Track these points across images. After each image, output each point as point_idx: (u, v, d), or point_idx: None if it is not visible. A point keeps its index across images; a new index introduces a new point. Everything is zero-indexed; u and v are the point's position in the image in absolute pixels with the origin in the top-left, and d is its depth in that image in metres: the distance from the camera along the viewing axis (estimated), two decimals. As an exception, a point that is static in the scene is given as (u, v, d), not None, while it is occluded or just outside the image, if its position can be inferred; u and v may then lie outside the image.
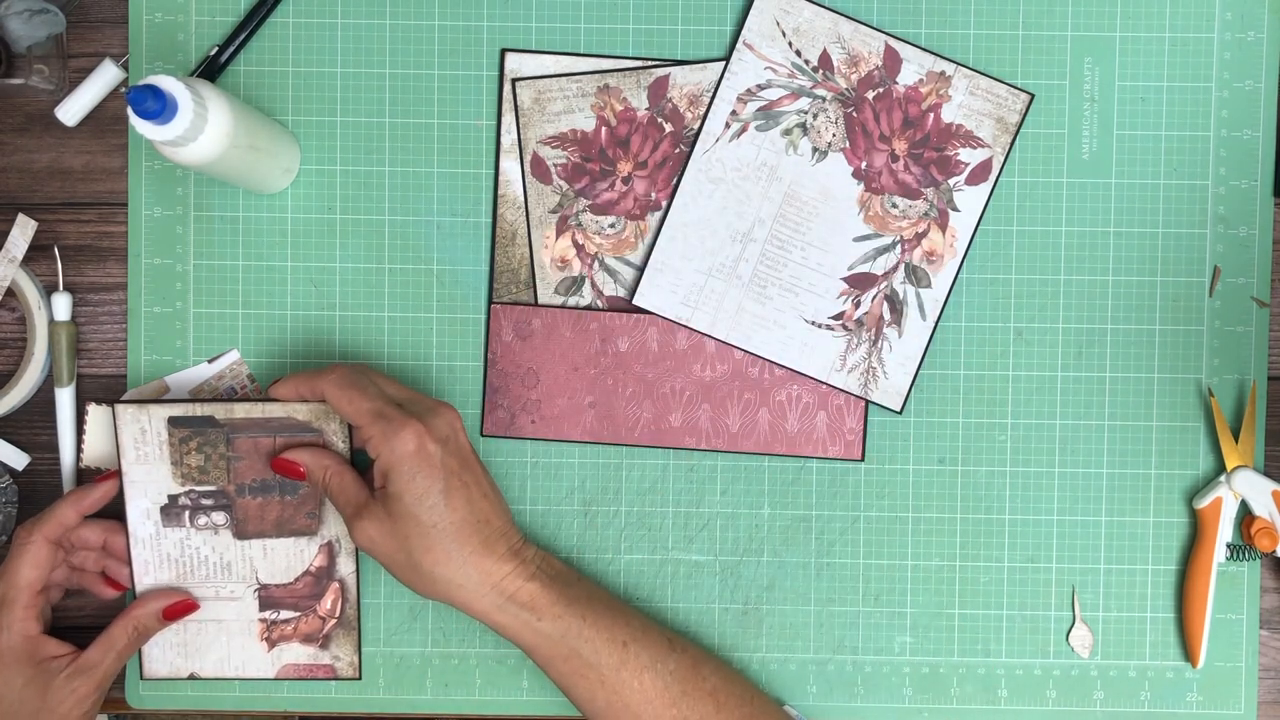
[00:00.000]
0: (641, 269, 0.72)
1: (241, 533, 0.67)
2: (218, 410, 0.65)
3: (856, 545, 0.73)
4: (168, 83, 0.58)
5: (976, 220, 0.72)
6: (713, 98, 0.71)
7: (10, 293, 0.72)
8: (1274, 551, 0.70)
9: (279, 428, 0.66)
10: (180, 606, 0.67)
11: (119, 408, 0.65)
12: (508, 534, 0.64)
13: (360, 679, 0.71)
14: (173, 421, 0.65)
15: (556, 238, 0.72)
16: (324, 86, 0.72)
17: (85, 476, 0.72)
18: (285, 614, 0.69)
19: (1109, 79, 0.72)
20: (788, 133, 0.71)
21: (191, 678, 0.70)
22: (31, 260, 0.73)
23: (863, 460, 0.72)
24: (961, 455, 0.72)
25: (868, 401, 0.72)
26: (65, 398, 0.72)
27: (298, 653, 0.70)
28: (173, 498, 0.67)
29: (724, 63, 0.71)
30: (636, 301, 0.72)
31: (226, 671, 0.70)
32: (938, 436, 0.72)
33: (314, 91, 0.72)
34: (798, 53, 0.71)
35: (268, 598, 0.69)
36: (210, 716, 0.76)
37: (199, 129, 0.59)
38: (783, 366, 0.72)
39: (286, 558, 0.68)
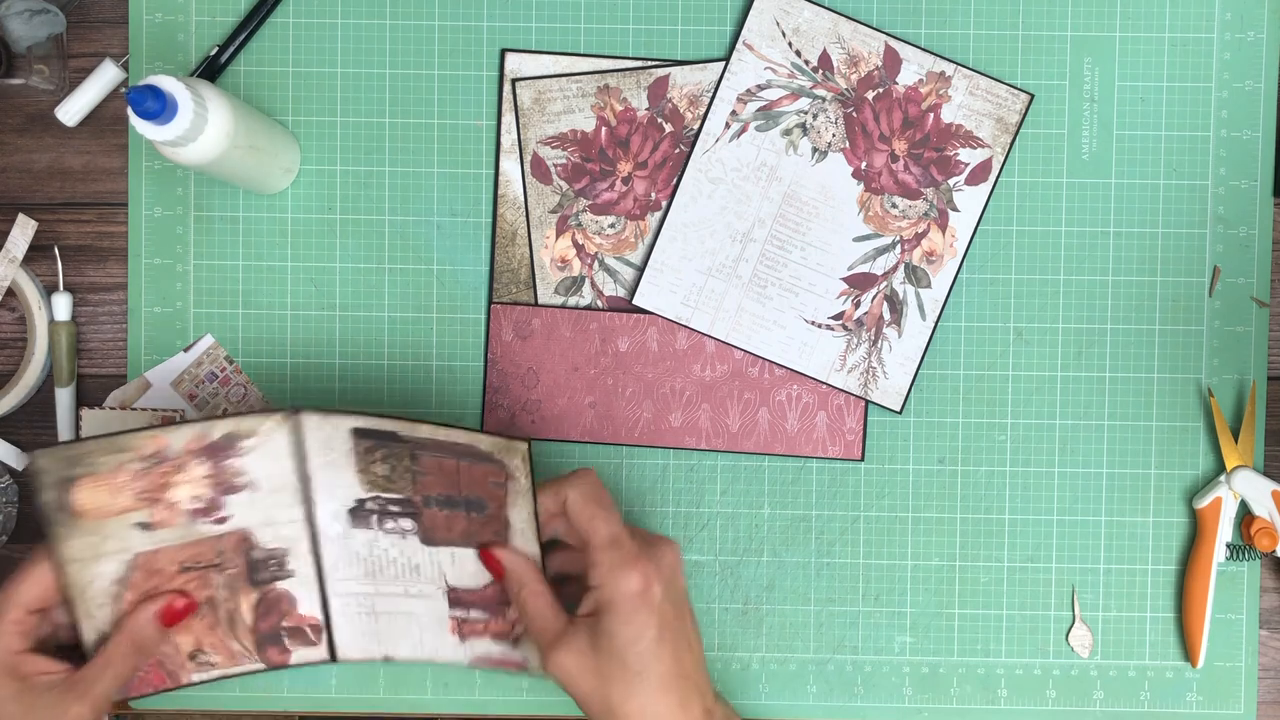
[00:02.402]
0: (641, 269, 0.72)
1: (429, 540, 0.65)
2: (401, 427, 0.63)
3: (856, 545, 0.73)
4: (168, 83, 0.58)
5: (976, 220, 0.72)
6: (713, 98, 0.71)
7: (10, 293, 0.72)
8: (1274, 551, 0.70)
9: (462, 453, 0.64)
10: (173, 610, 0.61)
11: (304, 416, 0.61)
12: (703, 691, 0.62)
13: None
14: (356, 433, 0.62)
15: (556, 238, 0.72)
16: (324, 86, 0.72)
17: (85, 476, 0.73)
18: (475, 614, 0.66)
19: (1109, 79, 0.72)
20: (788, 133, 0.71)
21: (386, 659, 0.65)
22: (31, 260, 0.73)
23: (863, 460, 0.72)
24: (961, 455, 0.72)
25: (868, 401, 0.72)
26: (65, 398, 0.72)
27: (489, 647, 0.67)
28: (360, 501, 0.63)
29: (724, 63, 0.71)
30: (636, 301, 0.72)
31: (420, 654, 0.65)
32: (938, 436, 0.72)
33: (314, 91, 0.72)
34: (798, 53, 0.71)
35: (457, 599, 0.66)
36: (210, 716, 0.76)
37: (199, 129, 0.59)
38: (783, 366, 0.72)
39: (475, 566, 0.65)
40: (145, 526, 0.61)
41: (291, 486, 0.63)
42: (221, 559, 0.63)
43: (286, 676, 0.72)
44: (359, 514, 0.64)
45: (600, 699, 0.59)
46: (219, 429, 0.60)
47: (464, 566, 0.66)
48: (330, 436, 0.62)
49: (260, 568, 0.64)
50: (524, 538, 0.65)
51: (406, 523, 0.65)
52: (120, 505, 0.60)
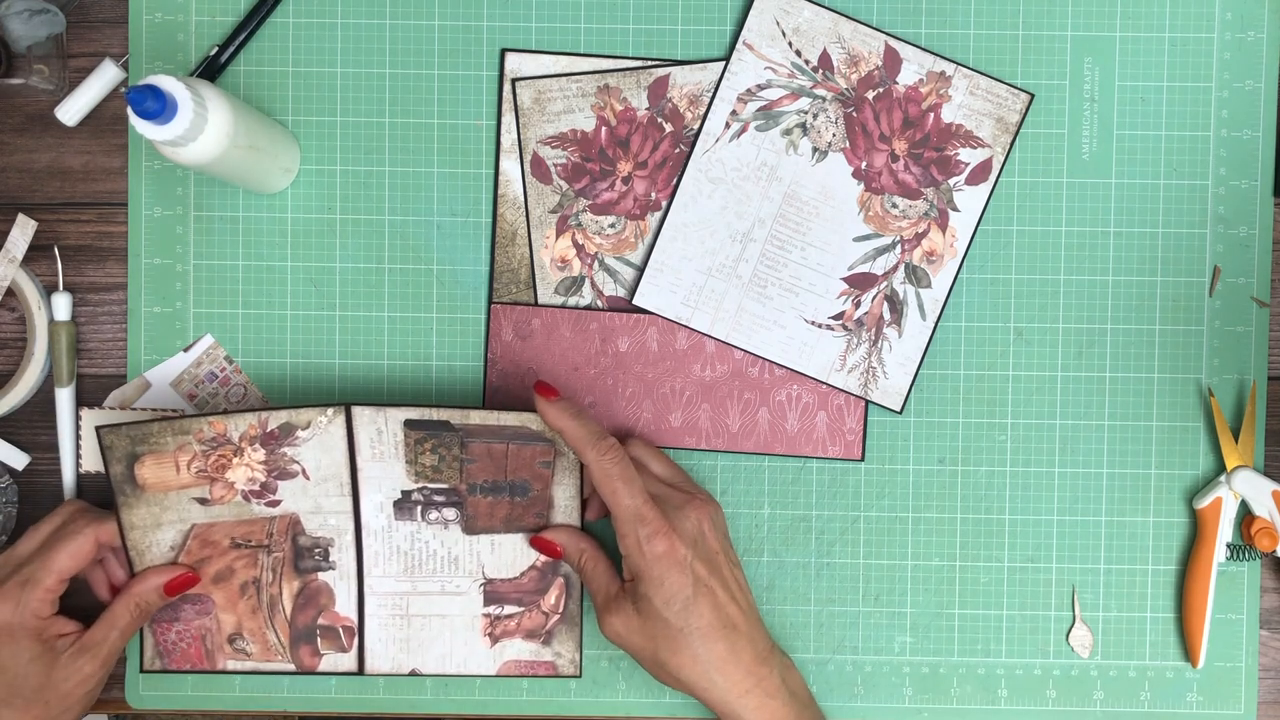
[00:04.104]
0: (641, 269, 0.72)
1: (470, 528, 0.68)
2: (453, 415, 0.66)
3: (856, 545, 0.73)
4: (168, 83, 0.58)
5: (976, 220, 0.72)
6: (713, 98, 0.71)
7: (10, 293, 0.72)
8: (1274, 551, 0.70)
9: (512, 435, 0.67)
10: (180, 580, 0.67)
11: (356, 410, 0.66)
12: (754, 639, 0.65)
13: (580, 677, 0.71)
14: (409, 424, 0.66)
15: (556, 238, 0.72)
16: (324, 86, 0.72)
17: (85, 481, 0.73)
18: (509, 609, 0.69)
19: (1109, 79, 0.72)
20: (788, 133, 0.71)
21: (413, 674, 0.70)
22: (31, 260, 0.73)
23: (863, 460, 0.72)
24: (961, 455, 0.72)
25: (868, 401, 0.72)
26: (65, 398, 0.72)
27: (519, 649, 0.70)
28: (406, 493, 0.68)
29: (724, 63, 0.71)
30: (636, 301, 0.72)
31: (448, 668, 0.70)
32: (938, 436, 0.72)
33: (314, 91, 0.72)
34: (798, 53, 0.71)
35: (492, 592, 0.69)
36: (210, 716, 0.76)
37: (199, 129, 0.59)
38: (783, 366, 0.72)
39: (513, 553, 0.69)
40: (203, 502, 0.67)
41: (340, 477, 0.67)
42: (271, 541, 0.68)
43: (286, 675, 0.72)
44: (404, 505, 0.68)
45: (650, 656, 0.64)
46: (276, 419, 0.66)
47: (503, 554, 0.69)
48: (382, 429, 0.66)
49: (305, 555, 0.69)
50: (567, 515, 0.69)
51: (450, 512, 0.68)
52: (181, 481, 0.66)
